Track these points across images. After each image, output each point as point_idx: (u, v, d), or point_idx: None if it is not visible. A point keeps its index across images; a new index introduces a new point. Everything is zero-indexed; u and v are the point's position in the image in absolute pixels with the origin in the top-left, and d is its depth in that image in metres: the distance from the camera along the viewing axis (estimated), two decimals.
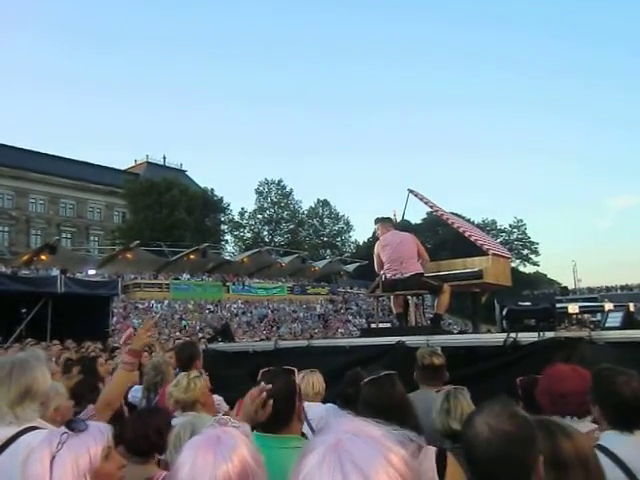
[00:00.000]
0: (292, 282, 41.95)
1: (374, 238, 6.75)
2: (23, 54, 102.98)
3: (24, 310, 15.95)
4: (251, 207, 58.93)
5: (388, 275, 5.92)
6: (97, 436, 1.37)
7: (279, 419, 2.02)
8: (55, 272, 25.71)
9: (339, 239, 63.13)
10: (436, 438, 2.63)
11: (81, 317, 16.42)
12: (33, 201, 50.62)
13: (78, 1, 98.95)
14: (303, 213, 60.99)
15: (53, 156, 52.91)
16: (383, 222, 6.24)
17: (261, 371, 2.20)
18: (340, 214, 62.99)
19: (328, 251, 60.02)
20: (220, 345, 8.61)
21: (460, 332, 8.39)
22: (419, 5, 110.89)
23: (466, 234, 7.00)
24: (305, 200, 68.56)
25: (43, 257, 31.65)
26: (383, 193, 78.77)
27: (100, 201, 55.05)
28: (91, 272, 31.91)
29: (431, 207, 7.35)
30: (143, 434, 2.25)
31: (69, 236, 51.16)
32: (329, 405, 3.43)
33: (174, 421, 2.60)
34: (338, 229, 63.13)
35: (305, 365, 3.60)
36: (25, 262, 31.91)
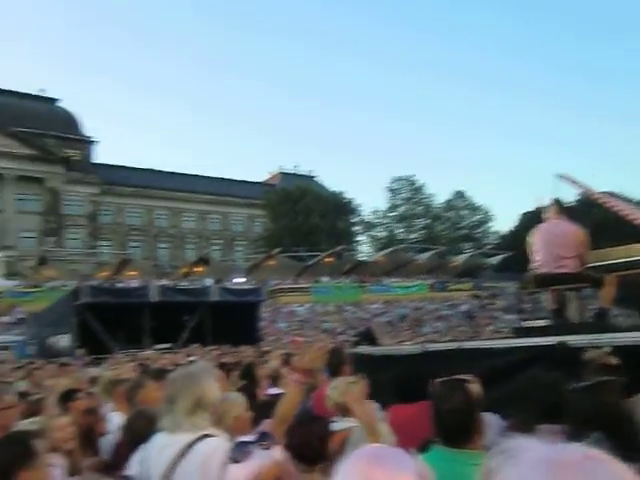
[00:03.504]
0: (431, 279, 40.94)
1: (521, 226, 6.16)
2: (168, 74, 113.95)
3: (186, 318, 17.42)
4: (383, 206, 58.88)
5: (540, 270, 5.39)
6: (251, 466, 1.43)
7: (461, 433, 1.97)
8: (209, 282, 27.94)
9: (479, 231, 60.26)
10: None
11: (234, 323, 17.52)
12: (186, 219, 55.71)
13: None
14: (438, 207, 59.40)
15: (200, 176, 57.78)
16: (551, 206, 5.56)
17: (436, 380, 2.15)
18: (478, 204, 60.18)
19: (468, 244, 57.68)
20: (364, 349, 8.50)
21: (634, 328, 7.42)
22: None
23: (628, 217, 6.19)
24: (439, 193, 66.66)
25: (198, 269, 34.64)
26: (526, 179, 73.73)
27: (242, 213, 58.75)
28: (239, 280, 34.08)
29: (585, 191, 6.64)
30: (307, 442, 2.26)
31: (218, 248, 55.43)
32: (487, 415, 3.15)
33: (335, 425, 2.62)
34: (477, 220, 60.22)
35: (456, 370, 3.39)
36: (183, 274, 35.17)
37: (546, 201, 6.43)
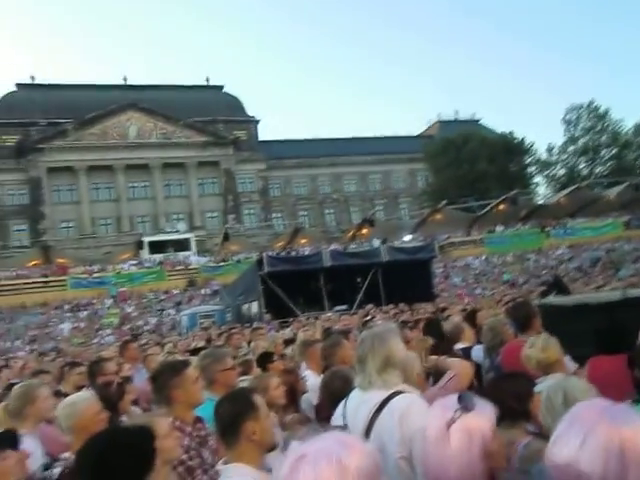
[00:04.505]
0: (626, 215, 36.18)
1: None
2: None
3: (359, 280, 17.71)
4: (559, 140, 53.03)
5: None
6: (486, 415, 1.43)
7: None
8: (377, 243, 28.06)
9: None
10: None
11: (406, 281, 17.36)
12: (347, 182, 56.83)
13: None
14: (627, 133, 51.47)
15: (357, 138, 58.14)
16: None
17: None
18: None
19: None
20: (555, 299, 7.75)
21: None
22: None
23: None
24: (628, 117, 57.79)
25: (364, 231, 35.12)
26: None
27: (403, 169, 57.91)
28: (407, 238, 33.76)
29: None
30: (500, 400, 2.08)
31: (381, 208, 55.60)
32: None
33: (540, 385, 2.57)
34: None
35: None
36: (351, 238, 35.99)
37: None
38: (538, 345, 3.02)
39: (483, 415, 1.44)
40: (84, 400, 2.88)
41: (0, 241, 42.37)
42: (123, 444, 1.70)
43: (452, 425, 1.38)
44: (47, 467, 2.65)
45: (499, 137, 50.18)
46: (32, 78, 50.43)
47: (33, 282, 29.92)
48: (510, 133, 50.62)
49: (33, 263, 31.99)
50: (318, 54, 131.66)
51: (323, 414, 3.10)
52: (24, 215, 45.83)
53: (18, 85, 50.03)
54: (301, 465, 1.06)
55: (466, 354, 4.35)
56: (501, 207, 35.59)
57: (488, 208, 36.11)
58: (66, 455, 2.62)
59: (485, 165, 44.03)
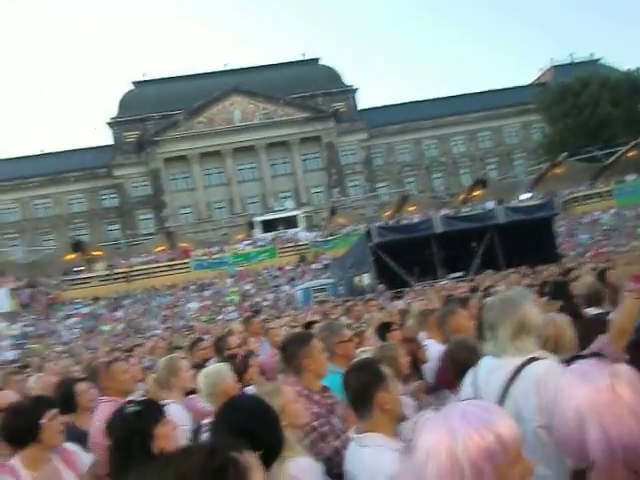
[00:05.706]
0: None
1: None
2: None
3: (474, 244, 17.00)
4: None
5: None
6: (630, 368, 1.30)
7: None
8: (491, 204, 26.61)
9: None
10: None
11: (527, 243, 16.37)
12: (454, 143, 54.29)
13: None
14: None
15: (463, 95, 55.41)
16: None
17: None
18: None
19: None
20: None
21: None
22: None
23: None
24: None
25: (476, 193, 33.52)
26: None
27: (515, 123, 54.15)
28: (524, 197, 31.80)
29: None
30: None
31: (494, 167, 52.59)
32: None
33: None
34: None
35: None
36: (462, 201, 34.54)
37: None
38: None
39: (628, 368, 1.29)
40: (225, 370, 3.13)
41: (130, 230, 46.46)
42: (254, 408, 1.92)
43: (616, 382, 1.23)
44: (196, 433, 2.83)
45: (624, 76, 44.87)
46: (144, 75, 53.96)
47: (161, 266, 32.47)
48: (637, 70, 45.15)
49: (160, 248, 34.62)
50: (414, 9, 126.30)
51: (443, 382, 3.14)
52: (148, 205, 49.73)
53: (134, 83, 53.88)
54: (448, 431, 0.98)
55: (600, 320, 3.82)
56: (631, 154, 32.34)
57: (616, 156, 33.04)
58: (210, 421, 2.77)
59: (609, 109, 39.79)
